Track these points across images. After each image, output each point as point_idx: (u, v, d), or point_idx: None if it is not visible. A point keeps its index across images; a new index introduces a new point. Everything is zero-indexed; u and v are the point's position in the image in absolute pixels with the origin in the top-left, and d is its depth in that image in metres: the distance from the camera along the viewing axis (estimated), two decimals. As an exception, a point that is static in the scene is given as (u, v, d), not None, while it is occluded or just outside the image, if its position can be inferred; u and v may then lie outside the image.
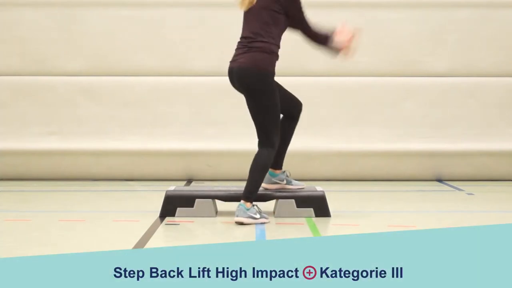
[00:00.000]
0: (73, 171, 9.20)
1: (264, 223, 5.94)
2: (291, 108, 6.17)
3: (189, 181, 9.07)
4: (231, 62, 6.02)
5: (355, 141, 9.18)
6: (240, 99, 9.15)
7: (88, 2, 9.23)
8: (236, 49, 6.01)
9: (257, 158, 5.99)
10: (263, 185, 6.25)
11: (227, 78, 9.11)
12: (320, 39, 6.05)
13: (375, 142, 9.19)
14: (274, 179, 6.28)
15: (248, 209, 5.91)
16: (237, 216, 5.91)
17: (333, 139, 9.20)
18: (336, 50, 6.06)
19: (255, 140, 6.06)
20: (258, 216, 5.93)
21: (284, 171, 6.31)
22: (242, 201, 5.95)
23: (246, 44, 5.92)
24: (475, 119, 9.23)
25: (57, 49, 9.20)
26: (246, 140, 8.97)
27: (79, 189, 8.47)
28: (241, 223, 5.89)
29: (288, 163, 8.94)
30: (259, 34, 5.89)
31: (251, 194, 5.97)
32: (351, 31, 6.03)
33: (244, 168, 9.52)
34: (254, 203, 6.01)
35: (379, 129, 9.21)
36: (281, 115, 6.13)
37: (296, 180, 6.44)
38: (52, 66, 9.21)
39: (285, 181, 6.31)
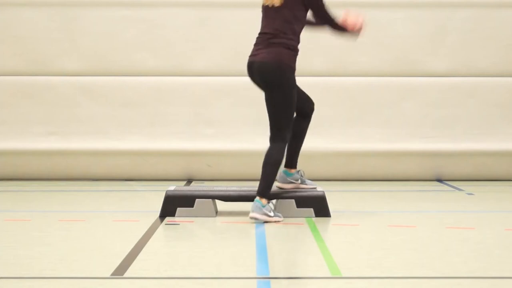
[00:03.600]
0: (73, 171, 9.20)
1: (278, 221, 5.96)
2: (305, 106, 6.21)
3: (189, 181, 9.07)
4: (250, 56, 6.07)
5: (355, 141, 9.18)
6: (240, 99, 9.19)
7: (88, 2, 9.22)
8: (256, 44, 6.06)
9: (269, 153, 6.01)
10: (279, 184, 6.30)
11: (227, 78, 9.22)
12: (341, 28, 6.08)
13: (375, 142, 9.18)
14: (289, 179, 6.30)
15: (263, 206, 5.93)
16: (252, 211, 5.93)
17: (333, 139, 9.20)
18: (351, 31, 6.09)
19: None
20: (272, 214, 5.96)
21: (298, 171, 6.33)
22: (257, 198, 5.96)
23: (267, 39, 5.97)
24: (475, 119, 9.23)
25: (57, 49, 9.20)
26: (246, 140, 8.98)
27: (79, 189, 8.47)
28: (255, 219, 5.91)
29: (288, 163, 8.95)
30: (281, 31, 5.94)
31: (266, 190, 5.98)
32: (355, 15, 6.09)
33: (244, 168, 9.54)
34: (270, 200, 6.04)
35: (379, 129, 9.21)
36: (295, 113, 6.18)
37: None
38: (52, 66, 9.21)
39: (299, 181, 6.32)
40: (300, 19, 5.98)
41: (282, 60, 5.92)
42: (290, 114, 6.03)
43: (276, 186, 6.28)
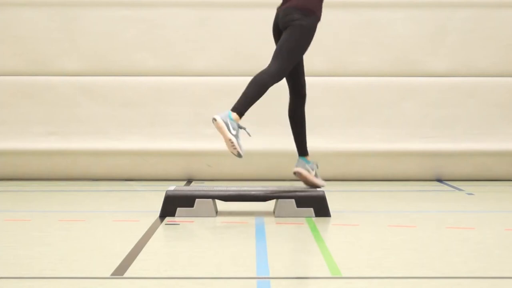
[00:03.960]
0: (73, 171, 9.20)
1: (234, 148, 5.93)
2: (301, 84, 6.30)
3: (189, 181, 9.07)
4: (277, 8, 6.22)
5: (355, 141, 9.18)
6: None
7: (88, 2, 9.22)
8: None
9: (258, 75, 6.06)
10: (296, 169, 6.38)
11: (227, 78, 9.22)
12: None
13: (375, 142, 9.18)
14: (307, 166, 6.41)
15: (231, 119, 5.92)
16: (218, 114, 5.92)
17: (333, 139, 9.20)
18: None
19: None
20: (234, 132, 5.93)
21: (315, 163, 6.42)
22: (230, 110, 5.96)
23: None
24: (475, 119, 9.23)
25: (57, 49, 9.19)
26: (246, 140, 8.97)
27: (79, 189, 8.47)
28: (214, 120, 5.89)
29: (289, 163, 8.97)
30: None
31: (241, 106, 5.98)
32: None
33: (244, 168, 9.56)
34: (243, 126, 5.98)
35: (379, 129, 9.20)
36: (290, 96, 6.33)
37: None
38: (52, 66, 9.20)
39: (314, 172, 6.39)
40: None
41: (307, 5, 6.07)
42: (296, 54, 6.11)
43: (293, 172, 6.38)
